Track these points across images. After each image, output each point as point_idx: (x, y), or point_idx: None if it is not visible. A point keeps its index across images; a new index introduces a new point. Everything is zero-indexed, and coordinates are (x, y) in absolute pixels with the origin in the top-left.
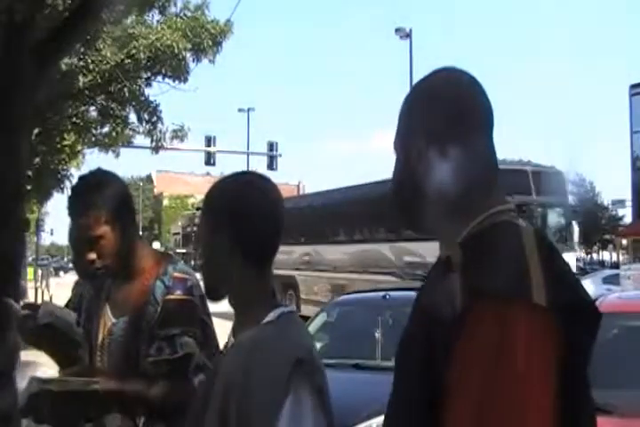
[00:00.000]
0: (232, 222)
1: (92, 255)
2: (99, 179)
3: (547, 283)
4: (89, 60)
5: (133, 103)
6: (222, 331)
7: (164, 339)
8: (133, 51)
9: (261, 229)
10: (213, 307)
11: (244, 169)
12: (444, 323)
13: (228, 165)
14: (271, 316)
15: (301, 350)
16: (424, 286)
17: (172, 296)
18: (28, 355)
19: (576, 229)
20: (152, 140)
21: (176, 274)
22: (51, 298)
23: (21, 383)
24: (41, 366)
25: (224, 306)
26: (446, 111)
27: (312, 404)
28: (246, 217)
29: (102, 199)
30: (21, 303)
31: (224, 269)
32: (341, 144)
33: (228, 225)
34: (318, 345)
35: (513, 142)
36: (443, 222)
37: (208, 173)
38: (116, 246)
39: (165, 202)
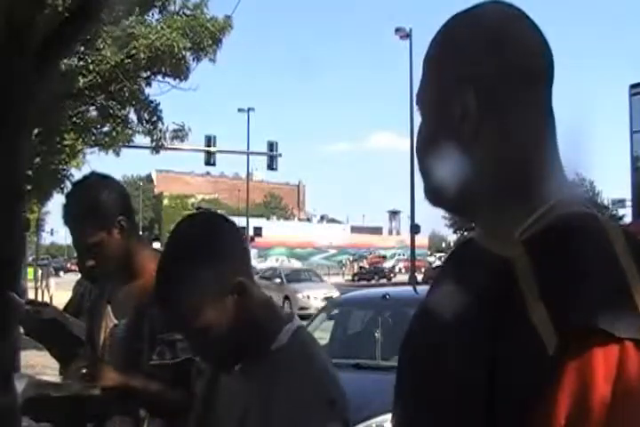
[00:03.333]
0: (227, 269)
1: (91, 262)
2: (92, 184)
3: None
4: (89, 60)
5: (133, 103)
6: None
7: (166, 343)
8: (133, 51)
9: (242, 252)
10: None
11: (244, 169)
12: (523, 361)
13: (228, 165)
14: (282, 339)
15: (331, 386)
16: (451, 284)
17: None
18: (29, 358)
19: None
20: (152, 140)
21: None
22: (51, 298)
23: (20, 385)
24: (43, 368)
25: None
26: (504, 56)
27: None
28: (229, 255)
29: (97, 205)
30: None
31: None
32: (341, 144)
33: (223, 273)
34: None
35: None
36: (487, 206)
37: (208, 173)
38: (115, 251)
39: (165, 202)
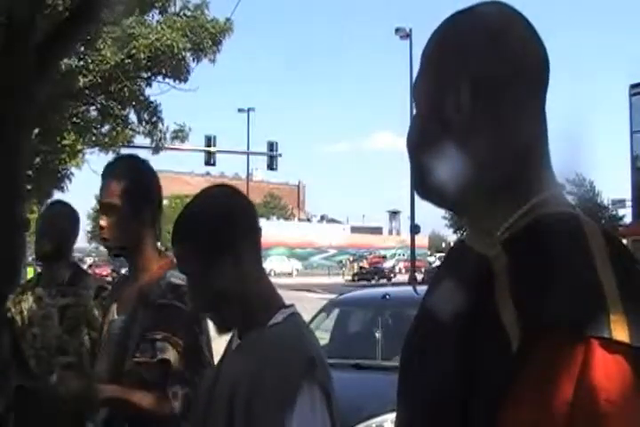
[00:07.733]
0: (230, 246)
1: (102, 222)
2: (148, 166)
3: (627, 308)
4: (89, 60)
5: (133, 103)
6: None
7: (149, 342)
8: (133, 51)
9: (253, 231)
10: None
11: (244, 169)
12: (491, 361)
13: (228, 165)
14: (278, 318)
15: (314, 349)
16: (441, 284)
17: (162, 301)
18: None
19: None
20: (152, 141)
21: (173, 279)
22: None
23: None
24: None
25: None
26: (501, 56)
27: (321, 403)
28: (234, 230)
29: (124, 174)
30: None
31: (237, 294)
32: (341, 144)
33: (226, 251)
34: None
35: None
36: (473, 203)
37: (208, 173)
38: (124, 224)
39: (165, 202)
